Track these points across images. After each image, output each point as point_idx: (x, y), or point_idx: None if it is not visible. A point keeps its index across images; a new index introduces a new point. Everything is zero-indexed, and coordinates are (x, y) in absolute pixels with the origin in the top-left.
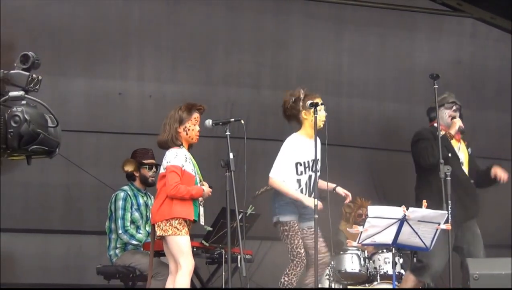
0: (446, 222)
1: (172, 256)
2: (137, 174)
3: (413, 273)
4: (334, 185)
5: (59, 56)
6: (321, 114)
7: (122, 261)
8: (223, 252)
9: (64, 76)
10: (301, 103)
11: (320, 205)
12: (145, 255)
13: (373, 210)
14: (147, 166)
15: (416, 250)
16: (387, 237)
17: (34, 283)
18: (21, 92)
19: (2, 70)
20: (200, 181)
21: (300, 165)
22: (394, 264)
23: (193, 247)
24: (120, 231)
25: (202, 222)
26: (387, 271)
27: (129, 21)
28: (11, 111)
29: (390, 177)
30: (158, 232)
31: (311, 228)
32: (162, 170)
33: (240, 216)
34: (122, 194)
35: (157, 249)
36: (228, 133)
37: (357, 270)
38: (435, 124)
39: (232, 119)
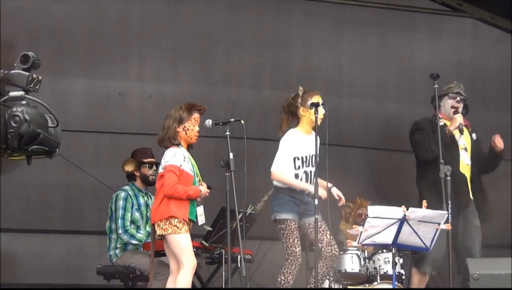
0: (446, 222)
1: (173, 256)
2: (137, 173)
3: (414, 266)
4: (330, 185)
5: (59, 56)
6: (320, 111)
7: (122, 261)
8: (223, 252)
9: (64, 76)
10: (299, 100)
11: (324, 194)
12: (145, 255)
13: (373, 210)
14: (147, 165)
15: (416, 250)
16: (387, 237)
17: (34, 283)
18: (21, 92)
19: (2, 70)
20: (199, 181)
21: (298, 159)
22: (394, 264)
23: (193, 247)
24: (120, 231)
25: (201, 221)
26: (387, 271)
27: (129, 21)
28: (11, 112)
29: (390, 177)
30: (158, 231)
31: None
32: (160, 170)
33: (240, 216)
34: (123, 194)
35: (157, 249)
36: (228, 133)
37: (357, 270)
38: (439, 115)
39: (232, 120)
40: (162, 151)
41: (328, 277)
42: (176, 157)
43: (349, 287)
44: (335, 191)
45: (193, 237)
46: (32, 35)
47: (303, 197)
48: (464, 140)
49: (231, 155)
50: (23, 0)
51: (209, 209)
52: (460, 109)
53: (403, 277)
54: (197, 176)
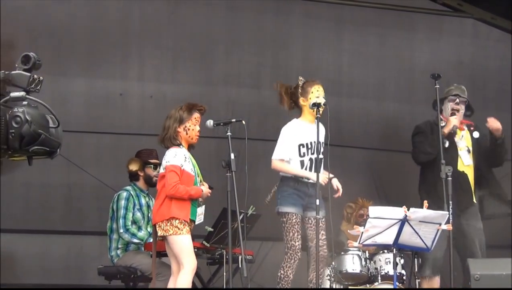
0: (447, 222)
1: (174, 256)
2: (141, 174)
3: (417, 274)
4: (331, 176)
5: (59, 57)
6: (320, 100)
7: (124, 262)
8: (224, 253)
9: (65, 76)
10: (299, 90)
11: (324, 179)
12: (146, 255)
13: (374, 211)
14: (152, 166)
15: (417, 250)
16: (388, 238)
17: (34, 284)
18: (22, 93)
19: (3, 71)
20: (201, 181)
21: (303, 146)
22: (395, 265)
23: (194, 247)
24: (121, 230)
25: (198, 221)
26: (388, 272)
27: (130, 21)
28: (12, 112)
29: (391, 177)
30: (160, 232)
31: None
32: (161, 170)
33: (241, 217)
34: (124, 194)
35: (159, 250)
36: (229, 134)
37: (358, 271)
38: (440, 117)
39: (233, 120)
40: (164, 151)
41: (329, 277)
42: (177, 157)
43: (350, 287)
44: (335, 182)
45: (194, 237)
46: (32, 35)
47: (307, 189)
48: (465, 142)
49: (232, 155)
50: (23, 0)
51: (210, 209)
52: (461, 111)
53: (404, 277)
54: (198, 176)
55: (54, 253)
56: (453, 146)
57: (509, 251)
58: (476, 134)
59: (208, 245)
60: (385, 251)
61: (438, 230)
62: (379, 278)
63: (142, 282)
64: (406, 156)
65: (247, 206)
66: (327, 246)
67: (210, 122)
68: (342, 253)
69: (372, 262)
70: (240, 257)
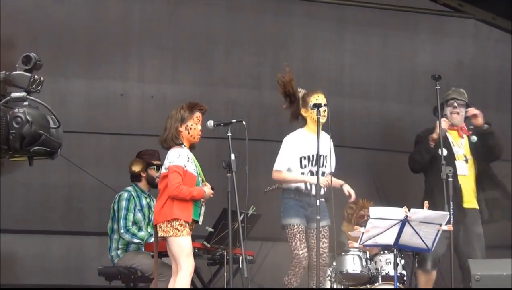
0: (448, 223)
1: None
2: (143, 175)
3: (418, 268)
4: (342, 182)
5: (60, 57)
6: (322, 109)
7: (124, 262)
8: (225, 253)
9: (65, 77)
10: (300, 102)
11: (324, 181)
12: (147, 256)
13: (374, 211)
14: (155, 167)
15: (417, 251)
16: (388, 238)
17: (34, 284)
18: (23, 94)
19: (3, 72)
20: (203, 181)
21: (304, 158)
22: (396, 265)
23: (194, 248)
24: (122, 231)
25: (200, 221)
26: (388, 272)
27: (130, 21)
28: (13, 113)
29: (392, 178)
30: (160, 233)
31: (321, 228)
32: (164, 170)
33: (242, 217)
34: (125, 194)
35: (159, 250)
36: (229, 134)
37: (358, 271)
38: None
39: (234, 120)
40: (165, 153)
41: (329, 277)
42: (181, 157)
43: (350, 288)
44: (346, 188)
45: (195, 238)
46: (32, 35)
47: (310, 200)
48: (463, 150)
49: (232, 156)
50: (23, 0)
51: (210, 210)
52: (461, 114)
53: (405, 278)
54: (200, 176)
55: (54, 253)
56: (451, 155)
57: (509, 251)
58: (474, 138)
59: (208, 245)
60: (386, 251)
61: (438, 230)
62: (380, 278)
63: (142, 282)
64: (407, 157)
65: (247, 206)
66: (328, 250)
67: (210, 123)
68: (343, 253)
69: (372, 262)
70: (240, 258)
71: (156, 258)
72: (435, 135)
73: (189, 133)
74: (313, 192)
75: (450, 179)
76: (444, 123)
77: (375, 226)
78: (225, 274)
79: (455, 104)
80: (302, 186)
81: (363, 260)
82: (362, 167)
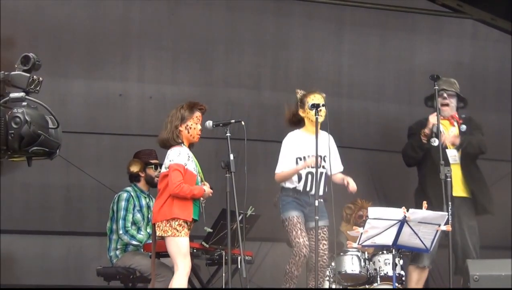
0: (447, 223)
1: None
2: (142, 175)
3: (411, 263)
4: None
5: (59, 57)
6: (318, 101)
7: (123, 262)
8: (223, 253)
9: (64, 77)
10: (299, 103)
11: (311, 161)
12: (145, 256)
13: (373, 211)
14: (153, 166)
15: (416, 251)
16: (387, 238)
17: (34, 284)
18: (21, 94)
19: (2, 72)
20: (202, 180)
21: (300, 159)
22: (394, 265)
23: (193, 248)
24: (120, 232)
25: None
26: (387, 272)
27: (129, 22)
28: (11, 113)
29: (391, 178)
30: (158, 232)
31: (319, 228)
32: (164, 169)
33: (240, 217)
34: (125, 195)
35: (158, 250)
36: (228, 134)
37: (357, 271)
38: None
39: (233, 121)
40: (164, 153)
41: (328, 278)
42: (181, 156)
43: (349, 288)
44: (347, 178)
45: (194, 238)
46: (31, 35)
47: (308, 199)
48: (455, 151)
49: (231, 156)
50: (22, 0)
51: (209, 210)
52: (452, 105)
53: (403, 278)
54: (199, 174)
55: (53, 253)
56: (443, 144)
57: (509, 252)
58: (463, 127)
59: (207, 245)
60: (384, 251)
61: (437, 230)
62: (378, 278)
63: (141, 282)
64: None
65: (246, 206)
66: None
67: (209, 123)
68: (341, 253)
69: (371, 262)
70: (239, 258)
71: (154, 257)
72: (427, 131)
73: (188, 132)
74: (312, 192)
75: (449, 179)
76: (435, 118)
77: (374, 226)
78: (223, 274)
79: (445, 95)
80: (300, 186)
81: (362, 260)
82: (361, 167)
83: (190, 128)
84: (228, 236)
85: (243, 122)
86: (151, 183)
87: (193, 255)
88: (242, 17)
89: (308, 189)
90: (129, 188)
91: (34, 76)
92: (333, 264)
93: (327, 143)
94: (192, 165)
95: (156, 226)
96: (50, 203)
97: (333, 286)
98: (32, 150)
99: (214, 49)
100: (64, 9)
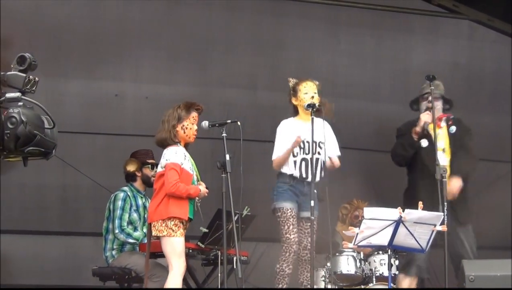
0: (442, 223)
1: None
2: (139, 174)
3: (400, 272)
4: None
5: (55, 57)
6: (315, 101)
7: (118, 262)
8: (219, 254)
9: (60, 77)
10: (291, 92)
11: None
12: (141, 256)
13: (368, 212)
14: (149, 166)
15: (412, 251)
16: (383, 239)
17: (30, 285)
18: (17, 94)
19: None
20: (198, 180)
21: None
22: (390, 266)
23: (189, 248)
24: (116, 231)
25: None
26: (382, 273)
27: (126, 22)
28: (7, 113)
29: (387, 178)
30: (154, 232)
31: (308, 221)
32: (160, 169)
33: (236, 217)
34: (121, 194)
35: (153, 250)
36: (224, 134)
37: (352, 272)
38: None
39: (229, 121)
40: (160, 152)
41: (323, 278)
42: (178, 155)
43: (344, 288)
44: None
45: (190, 238)
46: (28, 36)
47: (303, 188)
48: (442, 141)
49: (227, 156)
50: (19, 0)
51: (205, 210)
52: (438, 107)
53: (397, 280)
54: (194, 172)
55: (49, 253)
56: (432, 145)
57: (509, 252)
58: (452, 129)
59: (203, 246)
60: (380, 252)
61: (433, 231)
62: (374, 279)
63: (136, 283)
64: None
65: (242, 206)
66: (319, 248)
67: (205, 123)
68: (337, 254)
69: (367, 263)
70: (235, 258)
71: (148, 257)
72: (418, 129)
73: (184, 133)
74: (309, 179)
75: (445, 180)
76: (427, 116)
77: (369, 227)
78: (219, 274)
79: (430, 98)
80: (297, 173)
81: (357, 260)
82: (357, 168)
83: (186, 128)
84: (224, 236)
85: (239, 123)
86: (147, 183)
87: (188, 255)
88: (239, 18)
89: (304, 175)
90: (125, 188)
91: (30, 76)
92: (328, 264)
93: (322, 130)
94: (188, 164)
95: (152, 226)
96: (46, 203)
97: (329, 286)
98: (28, 150)
99: (210, 49)
100: (61, 9)
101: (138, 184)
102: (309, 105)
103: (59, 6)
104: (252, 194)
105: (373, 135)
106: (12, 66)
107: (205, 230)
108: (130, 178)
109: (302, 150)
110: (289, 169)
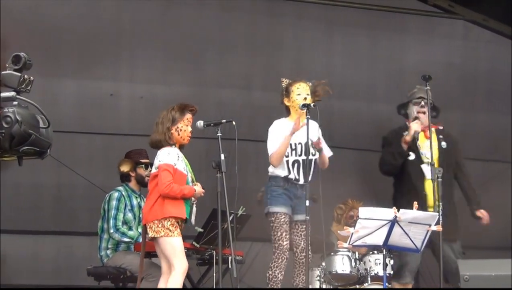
0: (437, 223)
1: (164, 257)
2: (133, 174)
3: (393, 280)
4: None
5: (51, 57)
6: (309, 101)
7: (113, 262)
8: (214, 253)
9: (56, 77)
10: (284, 92)
11: (302, 124)
12: (136, 256)
13: (364, 211)
14: (143, 165)
15: (407, 251)
16: (378, 239)
17: (24, 284)
18: (12, 93)
19: None
20: (193, 181)
21: (288, 147)
22: (385, 266)
23: (184, 248)
24: (111, 230)
25: (193, 220)
26: (377, 272)
27: (121, 22)
28: (2, 112)
29: (381, 179)
30: (150, 234)
31: (303, 223)
32: (154, 170)
33: (231, 217)
34: (116, 194)
35: (149, 250)
36: (219, 134)
37: (347, 271)
38: (407, 123)
39: (224, 121)
40: (154, 152)
41: (318, 278)
42: (170, 156)
43: (339, 288)
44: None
45: (184, 238)
46: (23, 36)
47: (297, 191)
48: (432, 154)
49: (222, 156)
50: (14, 0)
51: (200, 210)
52: (427, 114)
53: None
54: (190, 174)
55: (44, 253)
56: (419, 159)
57: (509, 252)
58: (444, 144)
59: (198, 245)
60: (375, 252)
61: (427, 231)
62: (369, 278)
63: (131, 282)
64: None
65: (237, 206)
66: (314, 248)
67: (200, 123)
68: (332, 253)
69: (362, 263)
70: (230, 258)
71: (142, 257)
72: (408, 138)
73: (179, 135)
74: (301, 181)
75: (440, 180)
76: (417, 125)
77: (365, 227)
78: (214, 274)
79: (423, 103)
80: (291, 175)
81: (352, 260)
82: (352, 168)
83: (181, 130)
84: (219, 236)
85: (234, 122)
86: (142, 183)
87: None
88: (234, 18)
89: (298, 177)
90: (120, 188)
91: (25, 76)
92: (323, 264)
93: (316, 132)
94: (182, 164)
95: (147, 227)
96: (41, 202)
97: (324, 286)
98: (23, 149)
99: (205, 49)
100: (57, 9)
101: (132, 183)
102: (304, 105)
103: (55, 7)
104: (247, 194)
105: (368, 135)
106: (7, 65)
107: (200, 229)
108: (124, 178)
109: (294, 151)
110: (282, 170)
